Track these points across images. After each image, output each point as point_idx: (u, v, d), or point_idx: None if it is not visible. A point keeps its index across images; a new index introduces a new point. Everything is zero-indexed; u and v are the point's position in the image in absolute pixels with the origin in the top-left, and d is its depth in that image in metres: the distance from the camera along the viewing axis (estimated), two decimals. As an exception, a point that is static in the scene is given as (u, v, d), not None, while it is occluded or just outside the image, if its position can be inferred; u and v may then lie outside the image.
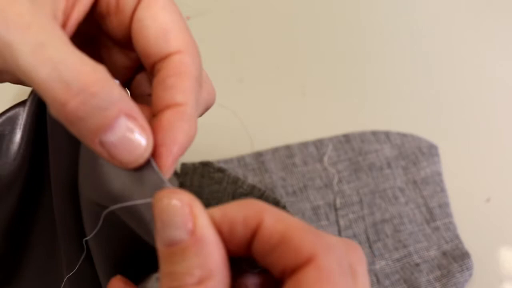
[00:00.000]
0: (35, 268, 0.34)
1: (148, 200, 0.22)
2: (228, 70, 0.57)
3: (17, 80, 0.23)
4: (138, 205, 0.22)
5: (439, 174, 0.50)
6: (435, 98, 0.56)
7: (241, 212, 0.20)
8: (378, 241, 0.46)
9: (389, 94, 0.56)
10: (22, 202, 0.31)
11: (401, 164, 0.50)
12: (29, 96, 0.28)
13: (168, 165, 0.23)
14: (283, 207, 0.40)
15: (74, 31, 0.24)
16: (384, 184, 0.49)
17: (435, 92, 0.56)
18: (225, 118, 0.51)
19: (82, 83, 0.20)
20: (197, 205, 0.20)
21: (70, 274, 0.28)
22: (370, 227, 0.46)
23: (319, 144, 0.51)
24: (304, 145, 0.50)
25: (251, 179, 0.48)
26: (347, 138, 0.51)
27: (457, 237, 0.46)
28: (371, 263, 0.45)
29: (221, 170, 0.46)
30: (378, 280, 0.44)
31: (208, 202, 0.46)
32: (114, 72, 0.28)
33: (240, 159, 0.49)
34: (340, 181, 0.49)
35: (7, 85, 0.26)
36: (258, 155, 0.50)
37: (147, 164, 0.22)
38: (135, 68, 0.28)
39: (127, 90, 0.28)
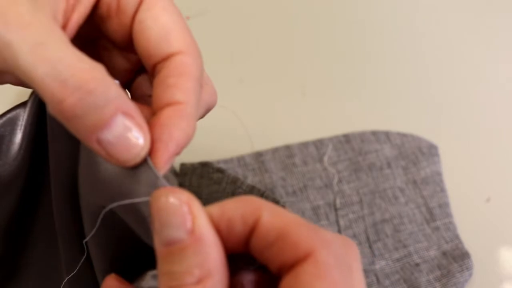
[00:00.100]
0: (34, 268, 0.34)
1: (146, 198, 0.22)
2: (228, 70, 0.57)
3: (18, 81, 0.23)
4: (136, 203, 0.22)
5: (439, 174, 0.50)
6: (435, 98, 0.56)
7: (239, 209, 0.20)
8: (378, 241, 0.46)
9: (389, 94, 0.56)
10: (22, 202, 0.31)
11: (401, 164, 0.50)
12: (30, 97, 0.28)
13: (164, 161, 0.23)
14: (283, 207, 0.40)
15: (74, 33, 0.24)
16: (384, 184, 0.49)
17: (435, 92, 0.56)
18: (225, 118, 0.51)
19: (79, 81, 0.20)
20: (195, 204, 0.20)
21: (70, 276, 0.28)
22: (370, 227, 0.46)
23: (319, 144, 0.51)
24: (304, 145, 0.50)
25: (251, 179, 0.48)
26: (347, 138, 0.51)
27: (457, 237, 0.46)
28: (371, 263, 0.45)
29: (220, 171, 0.46)
30: (378, 280, 0.44)
31: (207, 202, 0.46)
32: (115, 74, 0.28)
33: (240, 159, 0.49)
34: (340, 181, 0.49)
35: (7, 86, 0.26)
36: (258, 155, 0.50)
37: (144, 162, 0.22)
38: (135, 71, 0.28)
39: (128, 92, 0.28)
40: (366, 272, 0.44)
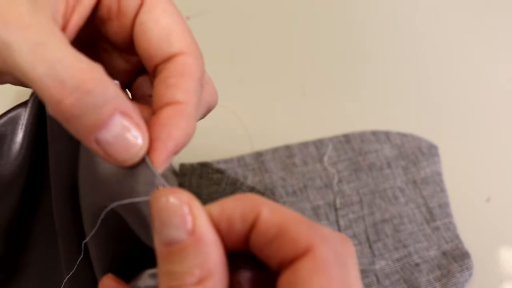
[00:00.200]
0: (35, 269, 0.34)
1: (146, 198, 0.22)
2: (228, 70, 0.57)
3: (18, 81, 0.23)
4: (136, 202, 0.22)
5: (439, 174, 0.50)
6: (435, 98, 0.56)
7: (239, 207, 0.20)
8: (378, 241, 0.46)
9: (389, 94, 0.56)
10: (23, 202, 0.31)
11: (401, 164, 0.50)
12: (31, 96, 0.28)
13: (162, 160, 0.23)
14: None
15: (74, 35, 0.25)
16: (384, 184, 0.49)
17: (435, 92, 0.56)
18: (225, 118, 0.51)
19: (77, 81, 0.20)
20: (196, 204, 0.20)
21: (70, 275, 0.28)
22: (370, 227, 0.46)
23: (319, 144, 0.51)
24: (304, 145, 0.50)
25: (251, 179, 0.48)
26: (347, 138, 0.51)
27: (457, 237, 0.46)
28: (371, 263, 0.45)
29: (220, 171, 0.46)
30: (378, 280, 0.44)
31: (206, 203, 0.46)
32: (115, 75, 0.28)
33: (240, 159, 0.49)
34: (340, 181, 0.49)
35: (7, 86, 0.26)
36: (258, 155, 0.50)
37: (142, 161, 0.22)
38: (135, 72, 0.28)
39: (128, 92, 0.28)
40: (366, 272, 0.44)
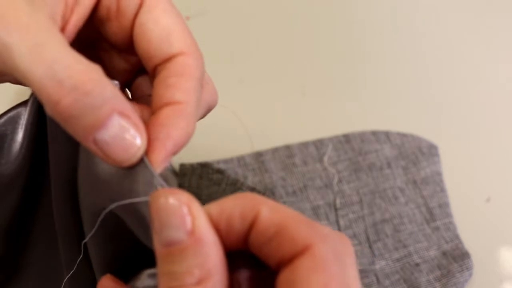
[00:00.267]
0: (35, 269, 0.34)
1: (145, 198, 0.22)
2: (228, 70, 0.57)
3: (18, 81, 0.23)
4: (135, 203, 0.22)
5: (439, 174, 0.50)
6: (435, 98, 0.56)
7: (238, 206, 0.21)
8: (378, 241, 0.46)
9: (389, 94, 0.56)
10: (23, 202, 0.31)
11: (401, 164, 0.50)
12: (31, 96, 0.28)
13: (160, 160, 0.23)
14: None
15: (73, 36, 0.25)
16: (384, 184, 0.49)
17: (435, 92, 0.56)
18: (225, 118, 0.51)
19: (75, 82, 0.20)
20: (195, 205, 0.20)
21: (69, 275, 0.28)
22: (370, 227, 0.46)
23: (319, 144, 0.51)
24: (304, 145, 0.50)
25: (251, 179, 0.48)
26: (347, 138, 0.51)
27: (457, 237, 0.46)
28: (371, 263, 0.45)
29: (220, 172, 0.46)
30: (378, 280, 0.44)
31: (206, 203, 0.46)
32: (114, 75, 0.28)
33: (240, 159, 0.49)
34: (340, 181, 0.49)
35: (7, 85, 0.26)
36: (258, 155, 0.50)
37: (141, 161, 0.22)
38: (135, 71, 0.28)
39: (128, 92, 0.28)
40: (366, 272, 0.44)
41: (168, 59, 0.25)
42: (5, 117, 0.28)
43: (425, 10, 0.64)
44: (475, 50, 0.60)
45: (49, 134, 0.28)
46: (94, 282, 0.27)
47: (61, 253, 0.30)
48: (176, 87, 0.24)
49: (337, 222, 0.47)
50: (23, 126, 0.28)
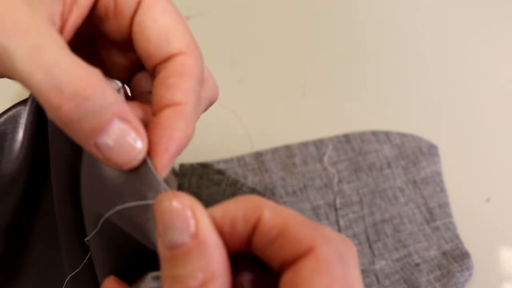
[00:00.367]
0: (35, 269, 0.34)
1: (143, 202, 0.22)
2: (228, 70, 0.57)
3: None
4: (132, 207, 0.22)
5: (439, 174, 0.50)
6: (435, 98, 0.56)
7: (241, 209, 0.21)
8: (378, 241, 0.46)
9: (389, 94, 0.56)
10: (23, 201, 0.31)
11: (401, 164, 0.50)
12: (30, 95, 0.28)
13: (164, 164, 0.23)
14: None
15: (72, 35, 0.25)
16: (384, 184, 0.49)
17: (435, 92, 0.56)
18: (225, 118, 0.51)
19: (76, 87, 0.20)
20: (199, 208, 0.20)
21: (73, 273, 0.28)
22: (370, 227, 0.46)
23: (319, 144, 0.51)
24: (304, 145, 0.50)
25: (251, 179, 0.48)
26: (347, 138, 0.51)
27: (457, 237, 0.46)
28: (371, 263, 0.45)
29: (220, 172, 0.46)
30: (378, 280, 0.44)
31: (206, 203, 0.46)
32: (114, 72, 0.28)
33: (240, 159, 0.49)
34: (340, 181, 0.49)
35: (8, 83, 0.26)
36: (258, 155, 0.50)
37: (143, 164, 0.23)
38: (134, 67, 0.28)
39: (127, 88, 0.28)
40: (366, 272, 0.44)
41: (167, 59, 0.25)
42: (5, 116, 0.28)
43: (425, 10, 0.64)
44: (475, 50, 0.60)
45: (49, 133, 0.28)
46: (96, 281, 0.27)
47: (63, 252, 0.30)
48: (176, 87, 0.24)
49: (337, 222, 0.47)
50: (23, 125, 0.28)
